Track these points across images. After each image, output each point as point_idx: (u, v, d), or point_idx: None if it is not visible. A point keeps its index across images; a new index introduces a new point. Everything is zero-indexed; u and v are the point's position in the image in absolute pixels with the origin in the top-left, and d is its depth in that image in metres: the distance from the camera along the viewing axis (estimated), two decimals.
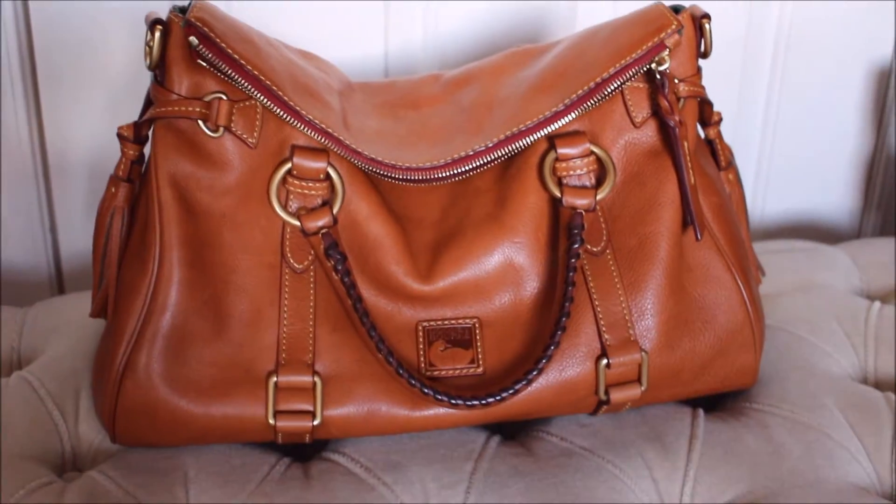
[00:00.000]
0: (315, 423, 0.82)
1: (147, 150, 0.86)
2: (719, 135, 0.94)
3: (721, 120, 0.93)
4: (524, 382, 0.81)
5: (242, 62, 0.81)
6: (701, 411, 0.90)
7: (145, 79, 0.89)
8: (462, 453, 0.85)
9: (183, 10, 0.83)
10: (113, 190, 0.85)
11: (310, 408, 0.82)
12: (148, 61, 0.82)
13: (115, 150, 0.86)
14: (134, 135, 0.85)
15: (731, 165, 0.95)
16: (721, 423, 0.89)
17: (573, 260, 0.83)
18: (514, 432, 0.90)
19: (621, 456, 0.86)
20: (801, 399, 0.91)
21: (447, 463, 0.84)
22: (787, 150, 1.28)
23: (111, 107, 1.10)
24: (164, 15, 0.83)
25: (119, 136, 0.85)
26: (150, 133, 0.85)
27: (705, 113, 0.92)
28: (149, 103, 0.85)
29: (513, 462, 0.85)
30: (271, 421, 0.81)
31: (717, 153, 0.94)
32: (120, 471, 0.83)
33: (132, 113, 0.89)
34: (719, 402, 0.94)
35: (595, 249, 0.86)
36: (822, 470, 0.85)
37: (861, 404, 0.91)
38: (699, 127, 0.93)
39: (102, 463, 0.85)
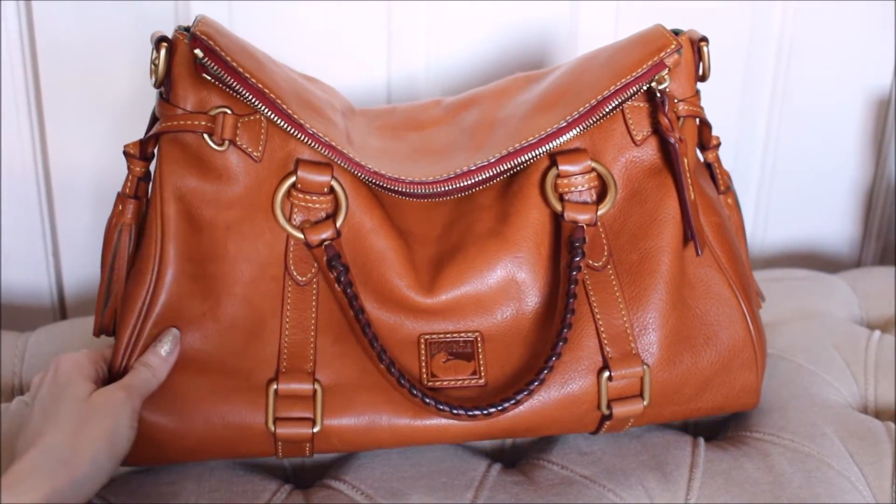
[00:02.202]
0: (315, 430, 0.81)
1: (153, 166, 0.86)
2: (718, 159, 0.94)
3: (720, 144, 0.94)
4: (526, 392, 0.80)
5: (247, 75, 0.82)
6: (701, 440, 0.90)
7: (148, 102, 0.90)
8: (463, 481, 0.85)
9: (188, 29, 0.84)
10: (120, 207, 0.86)
11: (310, 415, 0.81)
12: (153, 79, 0.83)
13: (118, 173, 0.87)
14: (140, 152, 0.85)
15: (729, 190, 0.96)
16: (721, 452, 0.89)
17: (574, 273, 0.83)
18: (515, 460, 0.90)
19: (622, 485, 0.85)
20: (802, 428, 0.91)
21: (448, 491, 0.84)
22: (787, 178, 1.29)
23: (115, 130, 1.10)
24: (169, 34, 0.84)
25: (125, 153, 0.85)
26: (156, 150, 0.86)
27: (704, 135, 0.92)
28: (154, 121, 0.86)
29: (513, 490, 0.84)
30: (271, 427, 0.81)
31: (715, 177, 0.95)
32: (121, 497, 0.82)
33: (136, 136, 0.90)
34: (720, 431, 0.94)
35: (596, 264, 0.86)
36: (823, 499, 0.84)
37: (861, 433, 0.91)
38: (698, 151, 0.93)
39: (103, 488, 0.84)
